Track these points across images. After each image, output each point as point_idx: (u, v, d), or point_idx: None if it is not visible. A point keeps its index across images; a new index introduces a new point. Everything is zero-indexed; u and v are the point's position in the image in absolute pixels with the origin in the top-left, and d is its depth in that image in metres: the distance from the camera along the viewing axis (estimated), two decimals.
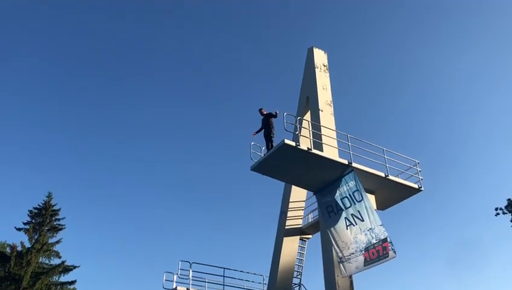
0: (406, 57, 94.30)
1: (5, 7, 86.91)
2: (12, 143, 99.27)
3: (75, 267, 42.17)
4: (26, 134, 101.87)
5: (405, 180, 18.00)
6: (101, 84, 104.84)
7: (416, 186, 17.94)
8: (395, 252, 14.53)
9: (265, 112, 17.54)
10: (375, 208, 17.88)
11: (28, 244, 41.35)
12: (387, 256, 14.62)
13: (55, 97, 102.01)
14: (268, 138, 16.91)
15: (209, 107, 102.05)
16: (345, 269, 15.45)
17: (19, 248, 41.05)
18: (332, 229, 16.22)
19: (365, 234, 15.34)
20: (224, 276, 20.07)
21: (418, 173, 18.07)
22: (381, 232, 15.01)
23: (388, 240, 14.73)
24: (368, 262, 14.91)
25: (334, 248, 15.86)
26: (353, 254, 15.37)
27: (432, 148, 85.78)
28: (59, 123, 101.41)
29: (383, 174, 17.27)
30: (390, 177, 17.42)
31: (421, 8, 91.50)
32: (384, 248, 14.66)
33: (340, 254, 15.57)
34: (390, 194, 18.04)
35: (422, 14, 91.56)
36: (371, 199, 17.78)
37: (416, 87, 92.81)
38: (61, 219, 44.32)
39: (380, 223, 15.30)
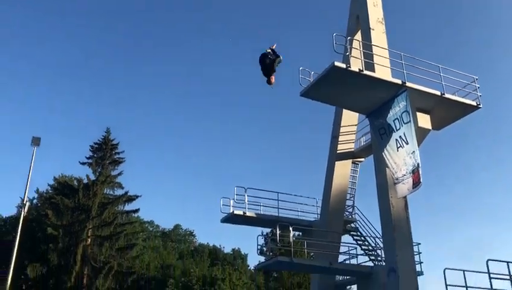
0: None
1: None
2: (73, 81, 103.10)
3: (137, 196, 44.76)
4: (85, 71, 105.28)
5: (462, 97, 17.24)
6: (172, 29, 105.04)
7: (474, 103, 17.17)
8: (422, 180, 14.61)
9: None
10: (430, 128, 17.47)
11: (92, 177, 44.06)
12: (420, 183, 14.63)
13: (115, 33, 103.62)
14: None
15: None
16: (398, 191, 15.49)
17: (85, 181, 43.85)
18: (385, 151, 16.10)
19: (410, 157, 15.21)
20: (278, 200, 20.55)
21: (476, 89, 17.22)
22: (418, 157, 14.93)
23: (420, 165, 14.71)
24: (415, 184, 14.89)
25: (390, 170, 15.81)
26: (405, 175, 15.35)
27: (489, 63, 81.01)
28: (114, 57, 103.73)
29: (438, 93, 16.60)
30: (447, 95, 16.74)
31: None
32: (419, 173, 14.67)
33: (395, 176, 15.56)
34: (446, 113, 17.42)
35: None
36: (425, 119, 17.34)
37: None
38: (121, 152, 46.54)
39: (417, 147, 15.19)
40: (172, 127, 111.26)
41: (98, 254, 41.22)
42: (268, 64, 14.16)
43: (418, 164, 14.78)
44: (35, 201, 50.13)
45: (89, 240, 41.52)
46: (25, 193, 35.74)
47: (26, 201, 36.41)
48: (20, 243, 35.03)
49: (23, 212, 34.99)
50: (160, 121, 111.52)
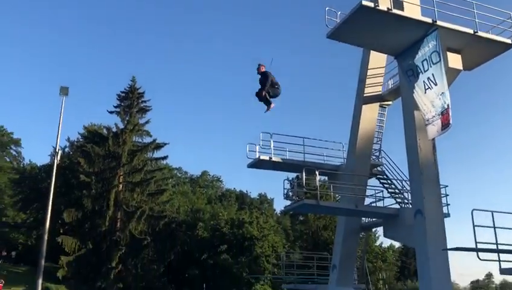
0: None
1: None
2: (97, 29, 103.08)
3: (165, 144, 45.65)
4: (108, 21, 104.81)
5: (496, 35, 16.45)
6: None
7: (509, 41, 16.38)
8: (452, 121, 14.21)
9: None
10: (461, 68, 16.89)
11: (121, 126, 44.90)
12: (450, 124, 14.25)
13: None
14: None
15: None
16: (429, 132, 15.26)
17: (114, 129, 44.76)
18: (415, 92, 15.74)
19: (439, 99, 14.79)
20: (304, 145, 20.54)
21: None
22: (448, 98, 14.45)
23: (450, 106, 14.25)
24: (444, 126, 14.57)
25: (421, 111, 15.51)
26: (434, 117, 15.03)
27: None
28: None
29: (471, 31, 15.88)
30: (480, 33, 15.99)
31: None
32: (448, 115, 14.26)
33: (426, 117, 15.27)
34: (478, 52, 16.70)
35: None
36: (455, 59, 16.74)
37: None
38: (147, 100, 47.06)
39: (447, 88, 14.65)
40: (197, 74, 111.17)
41: (130, 199, 42.75)
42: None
43: (447, 105, 14.40)
44: (67, 149, 51.76)
45: (121, 186, 42.94)
46: (57, 141, 36.90)
47: (59, 150, 37.66)
48: (55, 189, 36.57)
49: (55, 161, 36.27)
50: (184, 68, 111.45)
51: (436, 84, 14.90)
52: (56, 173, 35.71)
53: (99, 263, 39.79)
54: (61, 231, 41.70)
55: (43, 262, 33.62)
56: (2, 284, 35.46)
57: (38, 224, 44.92)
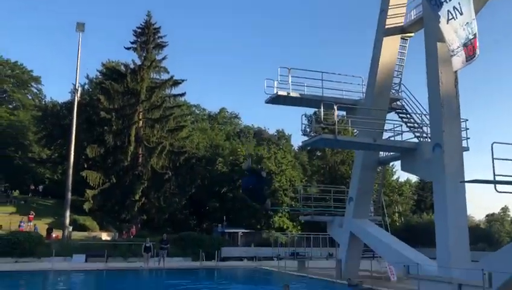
0: None
1: None
2: None
3: (183, 80, 45.55)
4: None
5: None
6: None
7: None
8: (478, 51, 13.66)
9: None
10: None
11: (138, 62, 44.72)
12: (476, 54, 13.75)
13: None
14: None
15: None
16: (454, 64, 14.86)
17: (132, 66, 44.63)
18: (440, 23, 15.17)
19: (463, 29, 14.21)
20: (322, 80, 20.23)
21: None
22: (475, 27, 13.84)
23: (477, 36, 13.66)
24: (469, 57, 14.12)
25: (446, 42, 15.05)
26: (459, 47, 14.57)
27: None
28: None
29: None
30: None
31: None
32: (473, 46, 13.72)
33: (450, 48, 14.82)
34: None
35: None
36: None
37: None
38: (163, 36, 46.43)
39: (474, 17, 14.00)
40: (213, 9, 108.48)
41: (150, 135, 43.47)
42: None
43: (474, 35, 13.89)
44: (86, 86, 52.09)
45: (141, 122, 43.53)
46: (76, 78, 37.20)
47: (78, 87, 38.01)
48: (78, 126, 37.30)
49: (76, 98, 36.75)
50: (200, 3, 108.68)
51: (461, 14, 14.31)
52: (77, 110, 36.29)
53: (123, 196, 41.26)
54: (85, 166, 42.94)
55: (69, 195, 35.04)
56: (32, 216, 37.30)
57: (63, 159, 46.29)
